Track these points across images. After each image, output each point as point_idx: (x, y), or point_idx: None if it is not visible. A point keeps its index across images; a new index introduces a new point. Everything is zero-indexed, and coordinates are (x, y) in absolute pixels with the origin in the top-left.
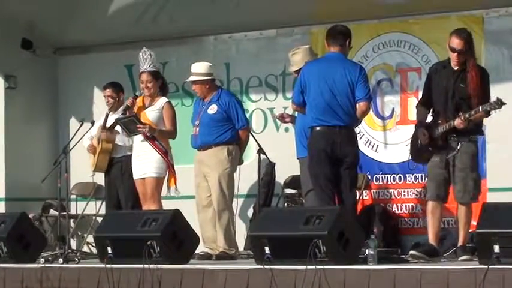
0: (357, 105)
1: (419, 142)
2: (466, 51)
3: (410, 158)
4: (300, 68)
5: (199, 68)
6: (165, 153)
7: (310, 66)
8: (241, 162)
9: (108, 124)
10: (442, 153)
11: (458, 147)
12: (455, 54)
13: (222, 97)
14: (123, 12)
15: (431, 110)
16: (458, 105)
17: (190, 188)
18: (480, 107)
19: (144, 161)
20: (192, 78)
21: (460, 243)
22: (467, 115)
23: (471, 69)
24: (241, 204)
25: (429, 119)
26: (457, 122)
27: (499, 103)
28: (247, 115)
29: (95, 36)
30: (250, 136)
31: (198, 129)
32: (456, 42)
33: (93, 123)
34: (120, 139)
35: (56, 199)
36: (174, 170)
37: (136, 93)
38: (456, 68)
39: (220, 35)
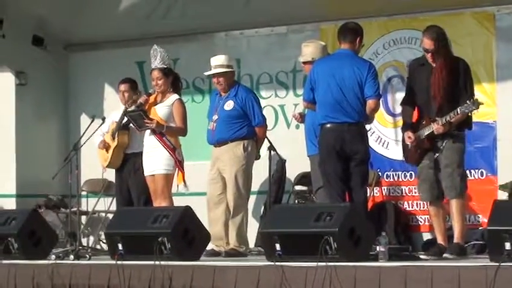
0: (366, 102)
1: (408, 144)
2: (439, 49)
3: (403, 159)
4: (307, 61)
5: (223, 60)
6: (173, 149)
7: (320, 63)
8: (257, 157)
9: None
10: (430, 154)
11: (444, 145)
12: (429, 54)
13: (239, 93)
14: (134, 9)
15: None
16: (441, 103)
17: (201, 185)
18: (458, 109)
19: (153, 157)
20: (219, 70)
21: (455, 240)
22: (444, 120)
23: (437, 70)
24: (252, 201)
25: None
26: (436, 128)
27: (476, 104)
28: None
29: (105, 33)
30: None
31: (215, 124)
32: (428, 43)
33: (103, 119)
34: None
35: (66, 196)
36: (183, 167)
37: (150, 91)
38: (434, 65)
39: (231, 31)
